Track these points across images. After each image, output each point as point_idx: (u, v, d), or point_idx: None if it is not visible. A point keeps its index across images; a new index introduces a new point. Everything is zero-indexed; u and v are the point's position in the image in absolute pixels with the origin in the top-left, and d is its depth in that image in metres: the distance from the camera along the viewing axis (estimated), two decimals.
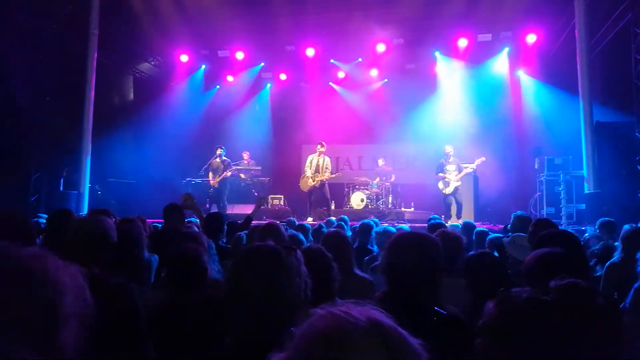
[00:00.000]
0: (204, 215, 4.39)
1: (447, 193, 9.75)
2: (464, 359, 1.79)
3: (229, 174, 10.41)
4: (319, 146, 10.29)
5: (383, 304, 1.76)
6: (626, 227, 3.83)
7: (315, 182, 10.10)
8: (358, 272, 2.98)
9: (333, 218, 9.00)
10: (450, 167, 9.75)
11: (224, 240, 4.24)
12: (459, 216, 9.35)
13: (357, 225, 4.98)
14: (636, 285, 2.76)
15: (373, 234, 4.56)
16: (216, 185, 10.38)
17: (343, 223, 5.30)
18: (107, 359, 1.74)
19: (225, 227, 4.25)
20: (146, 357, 1.92)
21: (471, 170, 9.96)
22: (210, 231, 3.75)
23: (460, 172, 9.75)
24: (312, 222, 8.76)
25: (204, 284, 2.39)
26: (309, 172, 10.23)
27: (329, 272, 2.12)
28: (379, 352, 0.68)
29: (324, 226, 5.26)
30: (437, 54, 11.91)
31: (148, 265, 3.21)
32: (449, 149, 9.88)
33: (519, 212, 4.79)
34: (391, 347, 0.69)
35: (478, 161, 9.78)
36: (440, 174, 9.81)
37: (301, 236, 3.43)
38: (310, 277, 1.85)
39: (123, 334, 1.81)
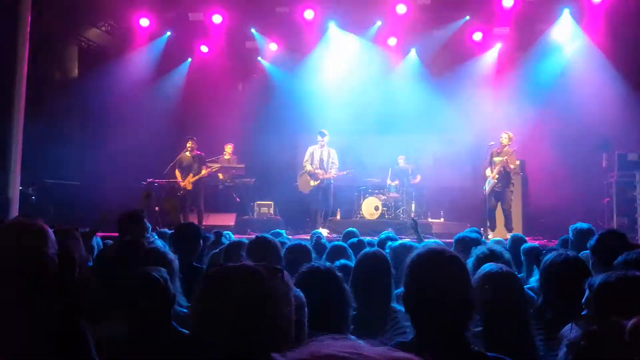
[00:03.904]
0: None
1: (486, 194, 9.72)
2: None
3: (204, 172, 10.33)
4: (320, 136, 10.28)
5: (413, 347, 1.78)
6: None
7: (318, 181, 10.13)
8: (397, 306, 3.04)
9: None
10: (497, 160, 9.56)
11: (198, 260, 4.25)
12: (508, 228, 9.27)
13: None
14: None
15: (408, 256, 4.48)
16: (188, 188, 10.27)
17: (353, 241, 4.73)
18: None
19: (201, 242, 4.26)
20: None
21: (513, 166, 9.61)
22: (180, 248, 3.77)
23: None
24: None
25: (169, 317, 2.51)
26: (309, 167, 10.28)
27: (339, 298, 2.29)
28: None
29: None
30: (471, 18, 11.85)
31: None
32: (504, 137, 9.63)
33: (580, 225, 4.73)
34: None
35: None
36: (487, 172, 9.73)
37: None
38: (314, 304, 2.03)
39: None
